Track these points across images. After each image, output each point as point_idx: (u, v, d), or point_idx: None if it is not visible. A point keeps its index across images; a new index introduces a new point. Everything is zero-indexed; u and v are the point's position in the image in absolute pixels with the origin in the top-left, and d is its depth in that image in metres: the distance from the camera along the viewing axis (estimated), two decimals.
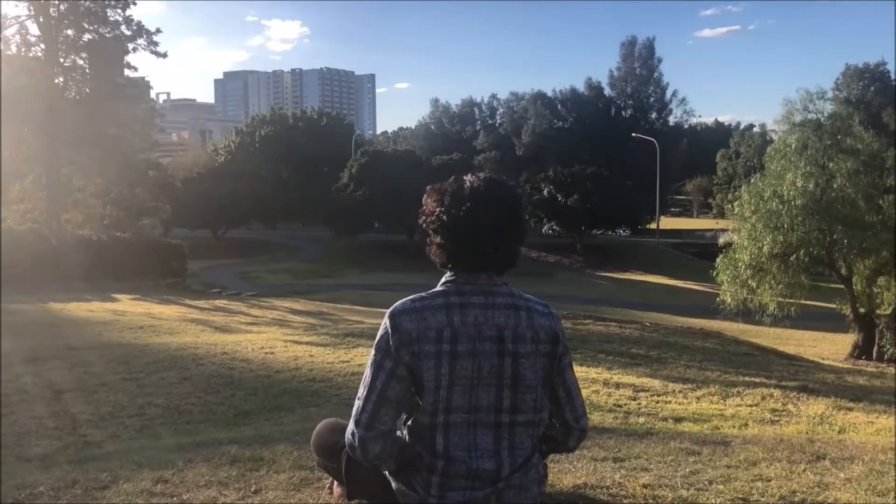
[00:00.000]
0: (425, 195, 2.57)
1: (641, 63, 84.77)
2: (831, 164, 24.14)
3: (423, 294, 2.49)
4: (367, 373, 2.47)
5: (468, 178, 2.52)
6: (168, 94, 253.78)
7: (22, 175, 34.86)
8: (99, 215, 37.21)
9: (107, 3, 35.02)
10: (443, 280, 2.53)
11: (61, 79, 35.51)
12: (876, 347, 24.02)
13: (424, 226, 2.54)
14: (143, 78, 52.52)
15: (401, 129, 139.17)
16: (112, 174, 35.11)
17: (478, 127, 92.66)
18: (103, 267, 31.10)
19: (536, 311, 2.51)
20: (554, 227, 63.12)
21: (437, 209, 2.49)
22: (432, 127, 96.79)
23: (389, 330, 2.44)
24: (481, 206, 2.43)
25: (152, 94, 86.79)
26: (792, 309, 24.99)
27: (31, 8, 33.69)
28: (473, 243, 2.44)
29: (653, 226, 70.62)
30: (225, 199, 58.61)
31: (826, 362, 17.79)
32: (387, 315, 2.48)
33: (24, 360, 9.73)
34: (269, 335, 13.76)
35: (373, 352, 2.48)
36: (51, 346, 11.39)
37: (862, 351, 24.24)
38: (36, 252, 29.27)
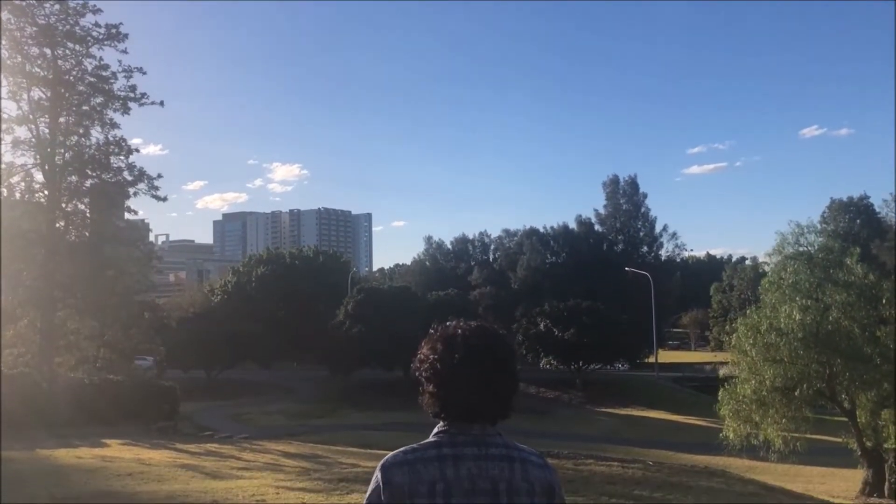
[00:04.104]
0: (424, 341, 2.56)
1: (627, 199, 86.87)
2: (825, 297, 24.28)
3: (414, 445, 2.43)
4: None
5: (461, 325, 2.51)
6: (167, 235, 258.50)
7: (17, 319, 34.81)
8: (92, 357, 36.91)
9: (111, 150, 36.13)
10: (435, 430, 2.48)
11: (62, 223, 36.12)
12: (887, 484, 23.31)
13: (417, 374, 2.52)
14: (142, 220, 53.68)
15: (397, 265, 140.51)
16: (107, 316, 35.12)
17: (472, 263, 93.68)
18: (94, 410, 30.61)
19: (531, 462, 2.44)
20: (551, 361, 62.71)
21: (431, 357, 2.48)
22: (427, 263, 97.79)
23: (381, 484, 2.37)
24: (474, 356, 2.42)
25: (151, 237, 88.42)
26: (798, 444, 24.42)
27: (38, 157, 34.73)
28: (466, 393, 2.41)
29: (651, 359, 70.15)
30: (219, 339, 58.29)
31: (836, 501, 17.26)
32: (378, 468, 2.41)
33: None
34: (260, 481, 13.34)
35: None
36: (35, 497, 11.01)
37: (873, 488, 23.50)
38: (27, 396, 28.84)
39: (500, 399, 2.44)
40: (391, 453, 2.44)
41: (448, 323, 2.56)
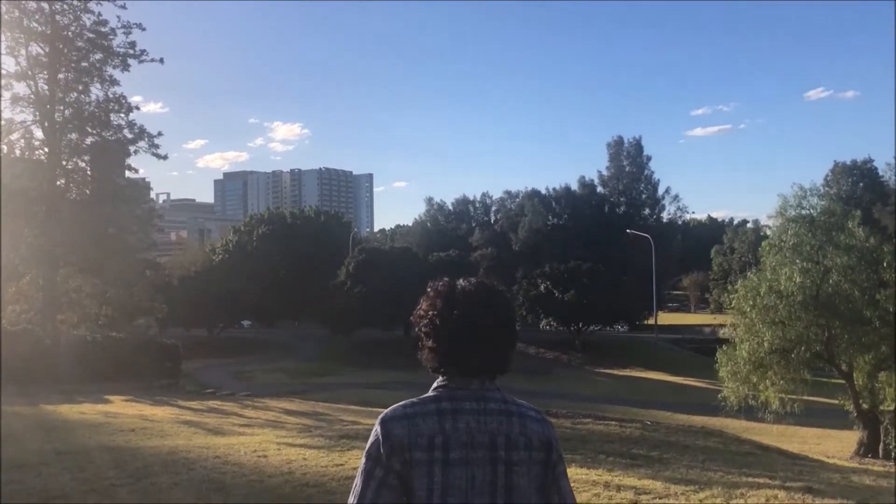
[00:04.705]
0: (423, 297, 2.56)
1: (630, 161, 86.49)
2: (826, 260, 24.27)
3: (414, 399, 2.45)
4: (357, 482, 2.40)
5: (460, 281, 2.51)
6: (168, 194, 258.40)
7: (19, 276, 34.92)
8: (94, 315, 37.07)
9: (111, 108, 35.88)
10: (434, 385, 2.50)
11: (63, 181, 36.03)
12: (882, 445, 23.55)
13: (416, 329, 2.53)
14: (143, 179, 53.47)
15: (398, 226, 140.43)
16: (109, 274, 35.18)
17: (473, 224, 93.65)
18: (97, 367, 30.83)
19: (529, 416, 2.46)
20: (551, 323, 63.02)
21: (430, 312, 2.48)
22: (428, 224, 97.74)
23: (380, 437, 2.39)
24: (473, 311, 2.42)
25: (152, 195, 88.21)
26: (795, 405, 24.67)
27: (37, 113, 34.51)
28: (465, 348, 2.41)
29: (651, 321, 70.45)
30: (221, 297, 58.55)
31: (831, 461, 17.43)
32: (377, 422, 2.43)
33: (10, 466, 9.49)
34: (262, 437, 13.49)
35: (363, 459, 2.41)
36: (39, 452, 11.13)
37: (868, 449, 23.77)
38: (30, 353, 29.06)
39: (498, 354, 2.45)
40: (391, 407, 2.45)
41: (447, 279, 2.56)
